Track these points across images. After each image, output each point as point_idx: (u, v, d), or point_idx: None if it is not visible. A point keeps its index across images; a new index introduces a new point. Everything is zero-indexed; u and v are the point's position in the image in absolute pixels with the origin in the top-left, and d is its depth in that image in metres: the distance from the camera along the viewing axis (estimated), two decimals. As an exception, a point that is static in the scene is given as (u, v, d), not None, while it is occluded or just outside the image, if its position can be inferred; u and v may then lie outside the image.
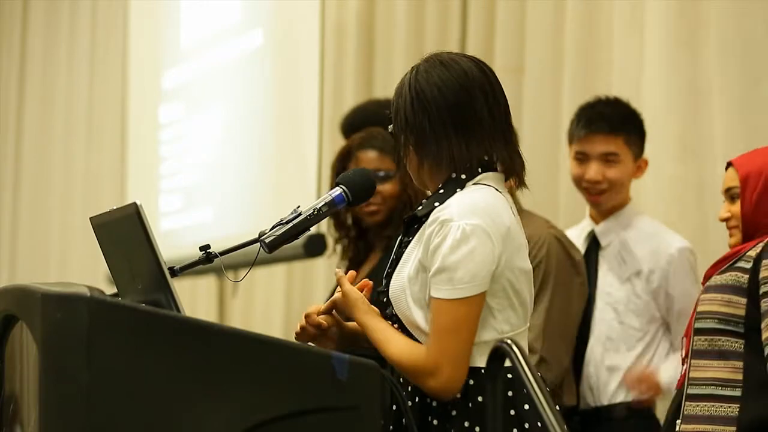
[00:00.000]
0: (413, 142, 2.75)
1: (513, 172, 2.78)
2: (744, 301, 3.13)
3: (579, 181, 3.97)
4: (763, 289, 3.11)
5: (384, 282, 2.82)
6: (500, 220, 2.68)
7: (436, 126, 2.72)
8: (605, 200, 3.95)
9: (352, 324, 2.82)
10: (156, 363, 2.26)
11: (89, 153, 8.02)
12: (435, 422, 2.70)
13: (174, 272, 2.67)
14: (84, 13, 8.19)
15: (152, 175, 6.80)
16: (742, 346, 3.12)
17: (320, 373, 2.37)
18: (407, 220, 2.81)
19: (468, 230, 2.63)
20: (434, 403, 2.70)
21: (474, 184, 2.73)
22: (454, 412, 2.68)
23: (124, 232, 2.56)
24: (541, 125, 4.80)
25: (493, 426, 2.51)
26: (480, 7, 5.33)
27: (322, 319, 2.79)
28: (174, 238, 6.38)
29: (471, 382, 2.66)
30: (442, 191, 2.74)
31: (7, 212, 8.69)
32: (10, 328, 2.57)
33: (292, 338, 2.76)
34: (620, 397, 3.86)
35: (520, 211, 3.84)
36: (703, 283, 3.34)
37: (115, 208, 2.61)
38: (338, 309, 2.79)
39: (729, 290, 3.15)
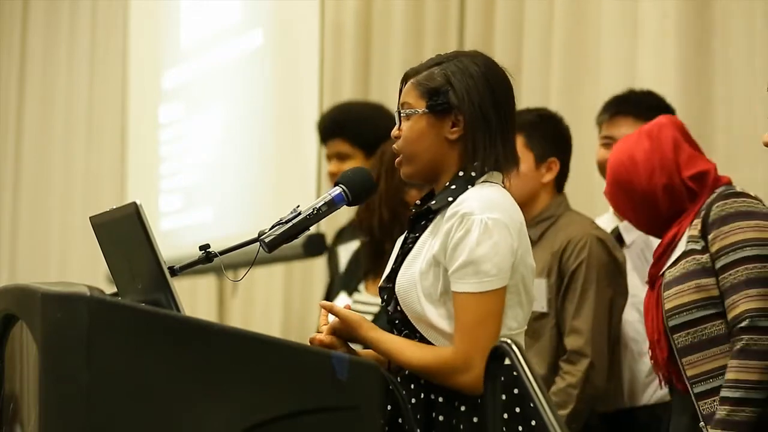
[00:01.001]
0: (471, 127, 2.76)
1: (512, 170, 2.83)
2: (713, 281, 3.07)
3: (603, 166, 3.84)
4: (716, 265, 3.07)
5: (386, 279, 2.82)
6: (515, 216, 2.72)
7: (501, 121, 2.79)
8: None
9: (364, 351, 2.82)
10: (156, 363, 2.26)
11: (89, 153, 8.02)
12: (441, 418, 2.71)
13: (174, 272, 2.67)
14: (84, 13, 8.19)
15: (152, 175, 6.80)
16: (726, 327, 3.06)
17: (320, 373, 2.36)
18: (413, 217, 2.82)
19: (490, 224, 2.66)
20: (440, 399, 2.71)
21: (482, 182, 2.76)
22: (462, 408, 2.68)
23: (124, 232, 2.56)
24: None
25: (493, 424, 2.51)
26: (478, 7, 5.32)
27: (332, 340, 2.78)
28: (174, 238, 6.38)
29: (501, 378, 2.66)
30: (453, 187, 2.76)
31: (7, 212, 8.69)
32: (10, 328, 2.57)
33: (291, 338, 2.76)
34: (644, 401, 3.79)
35: (567, 210, 3.83)
36: (651, 283, 3.25)
37: (115, 207, 2.61)
38: (338, 334, 2.77)
39: (693, 276, 3.09)
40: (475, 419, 2.68)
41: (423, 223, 2.79)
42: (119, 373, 2.23)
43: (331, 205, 2.81)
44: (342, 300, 4.25)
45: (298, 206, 2.80)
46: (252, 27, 5.96)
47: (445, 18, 5.51)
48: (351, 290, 4.27)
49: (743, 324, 2.99)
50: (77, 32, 8.25)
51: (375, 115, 4.72)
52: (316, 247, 5.22)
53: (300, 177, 5.42)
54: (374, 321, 4.10)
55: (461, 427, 2.68)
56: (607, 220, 3.94)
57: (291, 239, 2.78)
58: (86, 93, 8.11)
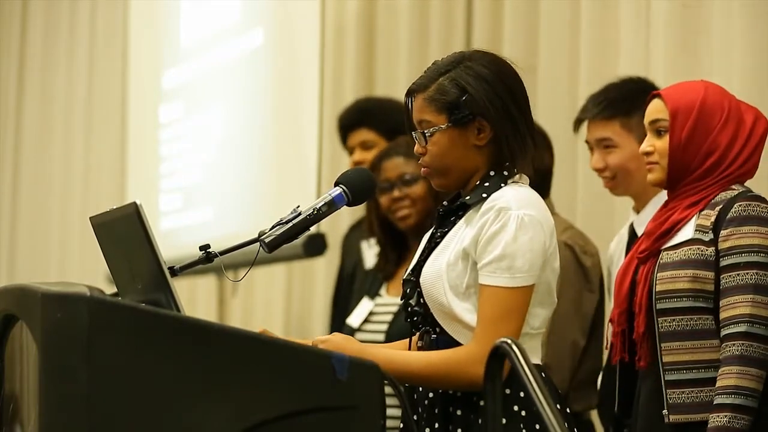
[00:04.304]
0: (499, 130, 2.76)
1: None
2: (711, 275, 3.02)
3: (595, 171, 3.83)
4: (722, 262, 3.01)
5: (411, 272, 2.81)
6: (548, 217, 2.74)
7: (524, 117, 2.79)
8: (617, 187, 3.80)
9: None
10: (156, 363, 2.26)
11: (89, 153, 8.02)
12: (458, 413, 2.71)
13: (174, 272, 2.67)
14: (84, 13, 8.19)
15: (152, 174, 6.80)
16: (714, 323, 3.02)
17: (320, 373, 2.36)
18: (442, 212, 2.82)
19: (527, 220, 2.68)
20: (458, 394, 2.71)
21: (513, 182, 2.78)
22: (482, 403, 2.68)
23: (124, 232, 2.56)
24: (556, 125, 4.70)
25: (493, 426, 2.51)
26: (486, 4, 5.29)
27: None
28: (174, 237, 6.38)
29: None
30: (487, 185, 2.76)
31: (7, 212, 8.69)
32: (10, 328, 2.57)
33: (291, 338, 2.76)
34: None
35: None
36: (639, 256, 3.16)
37: (114, 207, 2.61)
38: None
39: (692, 265, 3.04)
40: (503, 420, 2.68)
41: (452, 219, 2.80)
42: (119, 373, 2.23)
43: (332, 206, 2.81)
44: (365, 306, 4.28)
45: (298, 206, 2.80)
46: (252, 27, 5.96)
47: (452, 16, 5.49)
48: (373, 294, 4.30)
49: (740, 329, 2.96)
50: (77, 32, 8.24)
51: (395, 106, 4.76)
52: (316, 247, 5.22)
53: (300, 177, 5.42)
54: (394, 320, 4.14)
55: (479, 421, 2.68)
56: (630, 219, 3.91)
57: (291, 239, 2.78)
58: (86, 93, 8.10)
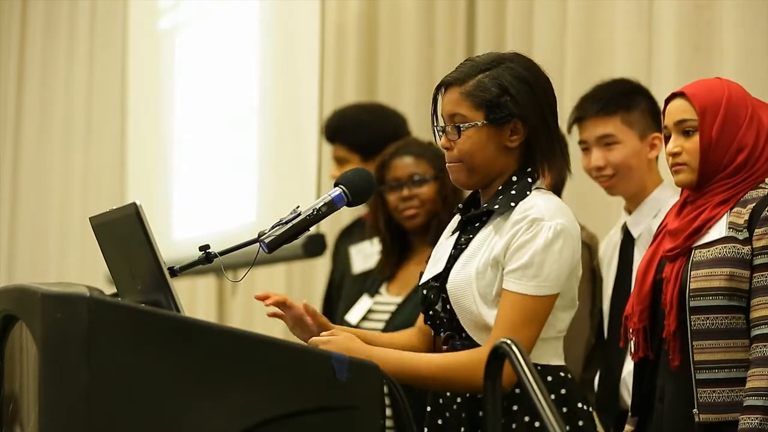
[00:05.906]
0: (534, 134, 2.76)
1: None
2: (747, 274, 2.98)
3: (589, 172, 3.80)
4: (755, 261, 2.97)
5: (434, 278, 2.81)
6: (577, 226, 2.76)
7: (555, 123, 2.82)
8: (616, 185, 3.77)
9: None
10: (156, 363, 2.26)
11: (89, 153, 8.02)
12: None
13: (174, 272, 2.67)
14: (84, 13, 8.19)
15: (152, 175, 6.80)
16: (746, 323, 2.98)
17: (320, 373, 2.37)
18: (467, 217, 2.82)
19: (558, 230, 2.70)
20: None
21: (536, 189, 2.78)
22: (515, 407, 2.69)
23: (123, 232, 2.56)
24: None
25: (493, 425, 2.51)
26: (488, 5, 5.28)
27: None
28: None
29: (549, 378, 2.71)
30: (513, 192, 2.76)
31: (7, 213, 8.69)
32: (10, 328, 2.57)
33: (292, 338, 2.76)
34: None
35: None
36: (668, 254, 3.10)
37: (114, 207, 2.61)
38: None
39: (729, 263, 2.99)
40: (526, 418, 2.69)
41: (477, 224, 2.80)
42: (119, 373, 2.23)
43: (331, 206, 2.82)
44: (364, 303, 4.28)
45: (298, 207, 2.80)
46: (252, 27, 5.96)
47: (454, 15, 5.48)
48: (372, 293, 4.31)
49: (764, 330, 2.93)
50: (77, 32, 8.25)
51: (371, 118, 4.75)
52: (316, 247, 5.22)
53: (300, 177, 5.42)
54: (392, 318, 4.15)
55: (513, 426, 2.69)
56: (621, 219, 3.89)
57: (291, 240, 2.78)
58: (86, 93, 8.10)
